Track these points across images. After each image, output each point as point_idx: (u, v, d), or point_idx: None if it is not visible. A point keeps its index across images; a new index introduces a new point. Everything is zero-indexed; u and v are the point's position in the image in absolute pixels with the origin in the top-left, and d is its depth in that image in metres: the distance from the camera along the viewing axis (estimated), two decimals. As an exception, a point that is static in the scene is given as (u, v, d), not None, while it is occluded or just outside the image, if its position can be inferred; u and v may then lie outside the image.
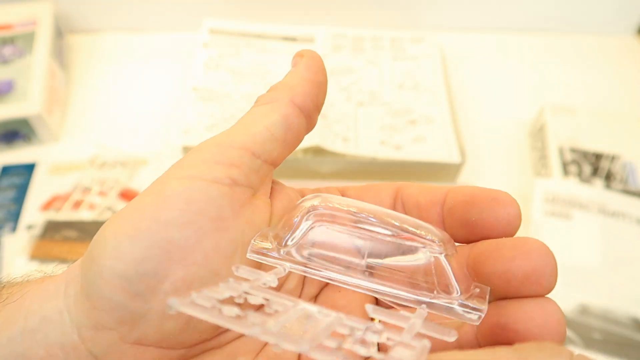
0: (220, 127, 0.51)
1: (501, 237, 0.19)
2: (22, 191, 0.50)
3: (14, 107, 0.52)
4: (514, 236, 0.19)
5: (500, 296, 0.18)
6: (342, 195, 0.23)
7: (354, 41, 0.62)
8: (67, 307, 0.18)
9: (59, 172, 0.52)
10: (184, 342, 0.19)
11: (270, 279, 0.18)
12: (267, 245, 0.19)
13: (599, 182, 0.49)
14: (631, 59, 0.65)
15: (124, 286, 0.17)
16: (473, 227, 0.19)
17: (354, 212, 0.20)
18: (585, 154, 0.51)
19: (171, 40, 0.65)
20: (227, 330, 0.20)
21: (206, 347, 0.19)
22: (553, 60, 0.64)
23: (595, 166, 0.50)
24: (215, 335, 0.20)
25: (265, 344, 0.20)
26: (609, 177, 0.49)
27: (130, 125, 0.56)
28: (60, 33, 0.62)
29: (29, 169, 0.52)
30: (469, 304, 0.17)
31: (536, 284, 0.17)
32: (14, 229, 0.47)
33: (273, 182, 0.22)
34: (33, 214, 0.48)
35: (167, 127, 0.55)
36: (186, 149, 0.50)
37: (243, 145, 0.19)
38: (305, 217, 0.20)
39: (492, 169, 0.54)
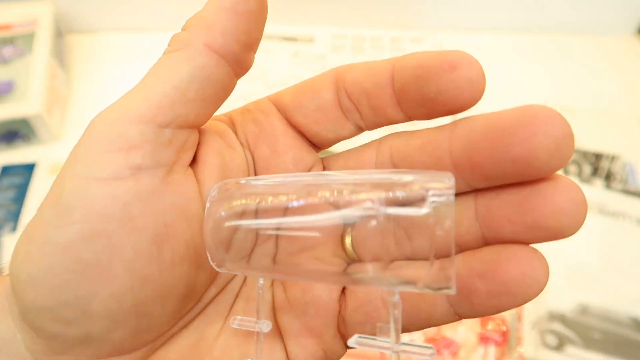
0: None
1: (467, 105, 0.16)
2: (22, 191, 0.50)
3: (14, 107, 0.52)
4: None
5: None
6: (277, 104, 0.20)
7: (354, 41, 0.62)
8: (17, 328, 0.17)
9: (58, 172, 0.52)
10: (145, 341, 0.17)
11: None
12: None
13: (599, 182, 0.49)
14: (631, 59, 0.65)
15: (53, 317, 0.15)
16: (433, 104, 0.16)
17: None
18: (585, 154, 0.51)
19: (171, 40, 0.65)
20: (186, 313, 0.18)
21: (172, 332, 0.18)
22: (553, 60, 0.64)
23: (595, 166, 0.50)
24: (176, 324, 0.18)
25: (233, 304, 0.19)
26: (608, 177, 0.50)
27: (130, 125, 0.56)
28: (60, 33, 0.62)
29: (29, 169, 0.52)
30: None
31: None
32: (14, 229, 0.48)
33: (200, 134, 0.18)
34: (33, 214, 0.48)
35: (167, 127, 0.55)
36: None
37: (143, 116, 0.16)
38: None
39: (492, 169, 0.54)
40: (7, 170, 0.52)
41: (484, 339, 0.40)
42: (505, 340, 0.40)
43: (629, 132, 0.53)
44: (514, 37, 0.66)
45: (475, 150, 0.16)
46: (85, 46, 0.64)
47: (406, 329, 0.17)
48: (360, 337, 0.16)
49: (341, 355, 0.18)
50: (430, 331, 0.40)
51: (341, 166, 0.20)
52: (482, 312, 0.16)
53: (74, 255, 0.15)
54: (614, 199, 0.47)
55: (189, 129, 0.17)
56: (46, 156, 0.53)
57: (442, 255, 0.14)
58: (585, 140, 0.52)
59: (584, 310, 0.42)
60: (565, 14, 0.66)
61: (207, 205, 0.17)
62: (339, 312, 0.18)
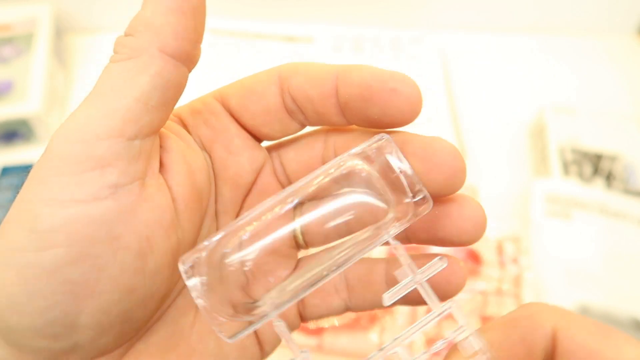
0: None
1: (407, 123, 0.18)
2: (21, 191, 0.50)
3: (13, 107, 0.52)
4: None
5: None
6: (223, 104, 0.20)
7: (354, 41, 0.62)
8: None
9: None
10: (127, 341, 0.18)
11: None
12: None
13: (599, 183, 0.49)
14: (631, 59, 0.65)
15: (39, 334, 0.16)
16: (375, 122, 0.18)
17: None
18: (585, 154, 0.51)
19: (171, 40, 0.64)
20: (161, 306, 0.19)
21: (147, 326, 0.19)
22: (553, 60, 0.64)
23: (595, 166, 0.50)
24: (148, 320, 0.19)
25: None
26: (609, 178, 0.49)
27: (129, 126, 0.56)
28: (59, 33, 0.62)
29: (28, 169, 0.52)
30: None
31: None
32: (13, 229, 0.47)
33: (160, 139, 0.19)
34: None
35: (166, 127, 0.55)
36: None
37: (111, 132, 0.16)
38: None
39: (492, 169, 0.54)
40: (7, 170, 0.52)
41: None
42: (505, 340, 0.40)
43: (630, 132, 0.53)
44: (514, 37, 0.66)
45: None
46: (84, 46, 0.64)
47: (352, 309, 0.20)
48: (388, 293, 0.17)
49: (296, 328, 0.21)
50: (431, 331, 0.39)
51: (291, 159, 0.21)
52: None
53: (61, 277, 0.15)
54: (615, 200, 0.47)
55: (153, 135, 0.17)
56: (46, 156, 0.53)
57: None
58: (586, 140, 0.52)
59: (584, 310, 0.42)
60: (565, 14, 0.66)
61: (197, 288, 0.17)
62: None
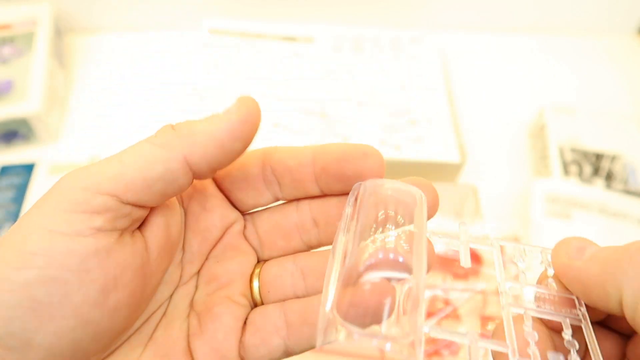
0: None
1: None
2: (21, 191, 0.50)
3: (13, 107, 0.52)
4: None
5: None
6: (217, 184, 0.23)
7: (354, 41, 0.62)
8: None
9: (58, 172, 0.52)
10: (89, 353, 0.19)
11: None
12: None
13: (599, 182, 0.49)
14: (631, 59, 0.65)
15: None
16: (348, 179, 0.22)
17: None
18: (585, 154, 0.51)
19: (171, 40, 0.64)
20: (113, 342, 0.20)
21: (98, 358, 0.20)
22: (553, 60, 0.64)
23: (595, 166, 0.50)
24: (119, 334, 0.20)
25: (154, 332, 0.21)
26: (609, 177, 0.49)
27: (130, 125, 0.56)
28: (59, 33, 0.62)
29: (28, 169, 0.52)
30: None
31: None
32: (13, 229, 0.47)
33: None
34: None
35: (166, 127, 0.55)
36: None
37: (110, 191, 0.18)
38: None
39: (492, 169, 0.54)
40: (6, 170, 0.52)
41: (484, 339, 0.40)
42: (505, 340, 0.40)
43: (630, 132, 0.53)
44: (514, 37, 0.66)
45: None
46: (84, 46, 0.64)
47: (291, 350, 0.21)
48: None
49: None
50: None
51: (264, 220, 0.24)
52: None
53: (29, 294, 0.17)
54: (615, 199, 0.47)
55: (144, 209, 0.20)
56: (45, 156, 0.53)
57: None
58: (586, 140, 0.52)
59: (584, 310, 0.42)
60: (565, 13, 0.66)
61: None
62: (241, 337, 0.21)
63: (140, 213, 0.20)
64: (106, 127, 0.56)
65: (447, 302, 0.41)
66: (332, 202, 0.23)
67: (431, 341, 0.39)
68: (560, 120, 0.53)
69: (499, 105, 0.60)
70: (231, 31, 0.61)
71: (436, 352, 0.39)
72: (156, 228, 0.21)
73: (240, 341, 0.21)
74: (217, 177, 0.23)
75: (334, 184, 0.22)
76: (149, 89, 0.60)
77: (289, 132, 0.52)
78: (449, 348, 0.39)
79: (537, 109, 0.56)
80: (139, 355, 0.20)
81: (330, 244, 0.22)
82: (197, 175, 0.20)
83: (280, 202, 0.24)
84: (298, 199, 0.24)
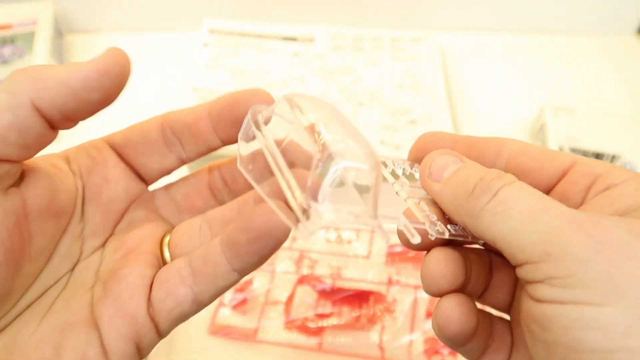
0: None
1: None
2: (22, 191, 0.50)
3: (14, 107, 0.52)
4: None
5: None
6: (109, 142, 0.24)
7: (354, 41, 0.62)
8: None
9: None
10: None
11: None
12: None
13: (599, 182, 0.49)
14: (631, 59, 0.65)
15: None
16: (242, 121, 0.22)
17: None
18: (585, 154, 0.51)
19: (171, 40, 0.65)
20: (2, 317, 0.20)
21: None
22: (553, 60, 0.64)
23: (595, 166, 0.50)
24: None
25: (52, 305, 0.21)
26: (609, 177, 0.49)
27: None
28: (60, 33, 0.62)
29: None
30: None
31: None
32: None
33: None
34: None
35: (167, 127, 0.55)
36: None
37: None
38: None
39: (492, 169, 0.54)
40: (7, 170, 0.52)
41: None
42: (505, 340, 0.40)
43: (629, 132, 0.53)
44: (514, 37, 0.66)
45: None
46: (85, 46, 0.64)
47: (200, 297, 0.21)
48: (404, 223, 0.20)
49: (155, 340, 0.21)
50: (430, 331, 0.39)
51: (181, 185, 0.25)
52: (248, 260, 0.20)
53: None
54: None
55: (10, 163, 0.18)
56: (46, 156, 0.53)
57: None
58: (585, 140, 0.52)
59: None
60: (565, 14, 0.66)
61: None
62: (149, 296, 0.21)
63: (6, 168, 0.18)
64: (106, 127, 0.56)
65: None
66: (235, 163, 0.23)
67: (431, 341, 0.39)
68: (560, 120, 0.53)
69: (498, 105, 0.60)
70: (231, 31, 0.61)
71: (436, 352, 0.39)
72: (37, 188, 0.20)
73: (149, 299, 0.21)
74: (118, 147, 0.23)
75: (232, 129, 0.23)
76: (149, 89, 0.60)
77: (289, 132, 0.52)
78: (449, 348, 0.39)
79: (537, 109, 0.56)
80: (34, 329, 0.20)
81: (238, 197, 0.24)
82: (51, 122, 0.19)
83: (186, 166, 0.25)
84: (209, 166, 0.24)
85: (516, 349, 0.22)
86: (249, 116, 0.22)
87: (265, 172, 0.21)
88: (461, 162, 0.21)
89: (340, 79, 0.57)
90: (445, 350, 0.39)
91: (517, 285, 0.22)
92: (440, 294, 0.20)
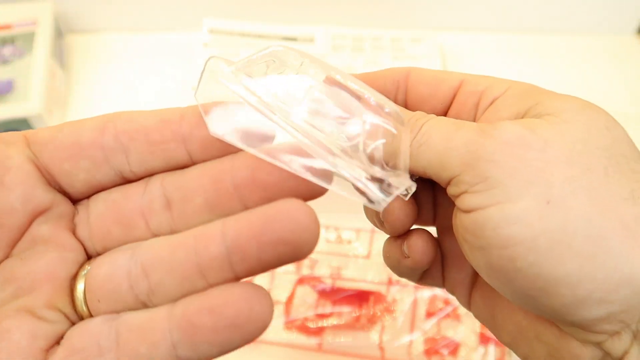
0: (220, 127, 0.51)
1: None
2: (22, 191, 0.50)
3: (14, 107, 0.52)
4: None
5: None
6: (29, 137, 0.18)
7: (354, 41, 0.62)
8: None
9: None
10: None
11: None
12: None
13: (599, 182, 0.49)
14: (631, 59, 0.65)
15: None
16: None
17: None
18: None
19: (171, 40, 0.64)
20: None
21: None
22: (553, 60, 0.64)
23: (595, 166, 0.50)
24: None
25: None
26: (609, 177, 0.49)
27: (130, 125, 0.56)
28: (60, 33, 0.62)
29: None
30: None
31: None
32: (14, 229, 0.47)
33: None
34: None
35: (167, 127, 0.55)
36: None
37: None
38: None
39: (492, 169, 0.54)
40: (7, 170, 0.52)
41: (484, 339, 0.40)
42: (505, 340, 0.40)
43: (629, 132, 0.53)
44: (514, 37, 0.66)
45: (258, 178, 0.17)
46: (85, 46, 0.64)
47: None
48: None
49: None
50: (430, 331, 0.40)
51: (101, 201, 0.18)
52: (204, 351, 0.15)
53: None
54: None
55: None
56: (46, 156, 0.53)
57: None
58: (586, 140, 0.52)
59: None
60: (565, 14, 0.66)
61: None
62: None
63: None
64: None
65: (447, 302, 0.41)
66: (194, 172, 0.18)
67: (431, 341, 0.39)
68: (560, 120, 0.53)
69: (499, 105, 0.59)
70: (231, 31, 0.61)
71: (436, 352, 0.39)
72: None
73: None
74: (38, 144, 0.18)
75: (214, 144, 0.17)
76: (149, 89, 0.60)
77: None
78: (449, 348, 0.39)
79: (537, 109, 0.56)
80: None
81: (188, 229, 0.17)
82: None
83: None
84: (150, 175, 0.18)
85: (446, 261, 0.24)
86: (217, 65, 0.17)
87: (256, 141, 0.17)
88: None
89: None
90: (446, 350, 0.39)
91: (439, 202, 0.24)
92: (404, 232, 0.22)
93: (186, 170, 0.18)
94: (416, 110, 0.22)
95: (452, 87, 0.22)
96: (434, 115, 0.20)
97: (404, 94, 0.23)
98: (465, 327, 0.40)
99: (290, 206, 0.15)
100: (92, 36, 0.65)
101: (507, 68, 0.63)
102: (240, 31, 0.61)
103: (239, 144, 0.17)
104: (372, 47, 0.61)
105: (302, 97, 0.18)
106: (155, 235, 0.18)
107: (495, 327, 0.23)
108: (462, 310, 0.41)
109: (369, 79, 0.23)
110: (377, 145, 0.18)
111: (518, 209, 0.17)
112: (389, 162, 0.18)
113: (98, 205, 0.18)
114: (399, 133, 0.19)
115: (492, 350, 0.39)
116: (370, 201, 0.17)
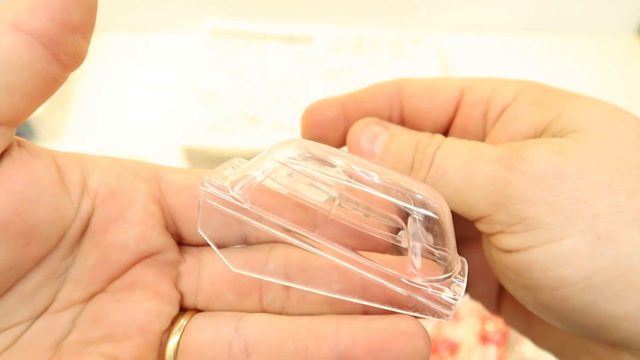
0: (221, 127, 0.51)
1: None
2: (22, 191, 0.50)
3: (14, 107, 0.52)
4: None
5: None
6: (159, 178, 0.18)
7: (354, 41, 0.62)
8: None
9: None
10: None
11: None
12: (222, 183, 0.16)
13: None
14: (631, 59, 0.65)
15: None
16: None
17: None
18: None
19: (171, 40, 0.65)
20: None
21: None
22: (553, 60, 0.64)
23: (595, 166, 0.50)
24: None
25: None
26: (609, 177, 0.49)
27: (130, 126, 0.56)
28: (60, 33, 0.62)
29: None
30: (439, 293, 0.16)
31: None
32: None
33: (18, 144, 0.16)
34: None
35: (167, 127, 0.55)
36: (186, 149, 0.50)
37: None
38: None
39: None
40: (7, 170, 0.52)
41: (484, 339, 0.40)
42: (505, 340, 0.40)
43: (629, 132, 0.53)
44: (514, 37, 0.66)
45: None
46: (85, 46, 0.64)
47: None
48: None
49: None
50: (430, 331, 0.40)
51: (219, 269, 0.18)
52: None
53: None
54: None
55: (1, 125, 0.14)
56: (46, 156, 0.53)
57: None
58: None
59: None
60: (565, 13, 0.66)
61: None
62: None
63: None
64: (106, 127, 0.56)
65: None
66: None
67: (431, 341, 0.39)
68: (560, 120, 0.53)
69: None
70: (232, 32, 0.61)
71: (435, 352, 0.39)
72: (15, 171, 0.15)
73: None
74: (163, 181, 0.17)
75: None
76: (149, 89, 0.60)
77: (289, 132, 0.52)
78: (449, 348, 0.39)
79: (537, 109, 0.56)
80: None
81: (300, 313, 0.16)
82: (43, 39, 0.14)
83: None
84: None
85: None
86: (213, 190, 0.16)
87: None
88: (385, 129, 0.20)
89: (340, 79, 0.57)
90: (446, 351, 0.39)
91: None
92: None
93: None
94: (415, 126, 0.20)
95: (452, 96, 0.21)
96: (440, 138, 0.18)
97: (399, 110, 0.21)
98: (465, 328, 0.40)
99: (412, 328, 0.16)
100: (92, 36, 0.65)
101: (507, 68, 0.63)
102: (241, 31, 0.61)
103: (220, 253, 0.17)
104: (372, 47, 0.61)
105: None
106: (264, 311, 0.17)
107: (532, 336, 0.21)
108: (462, 310, 0.41)
109: (359, 101, 0.21)
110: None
111: (565, 249, 0.15)
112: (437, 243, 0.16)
113: (216, 264, 0.17)
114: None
115: (492, 350, 0.39)
116: (439, 315, 0.17)
